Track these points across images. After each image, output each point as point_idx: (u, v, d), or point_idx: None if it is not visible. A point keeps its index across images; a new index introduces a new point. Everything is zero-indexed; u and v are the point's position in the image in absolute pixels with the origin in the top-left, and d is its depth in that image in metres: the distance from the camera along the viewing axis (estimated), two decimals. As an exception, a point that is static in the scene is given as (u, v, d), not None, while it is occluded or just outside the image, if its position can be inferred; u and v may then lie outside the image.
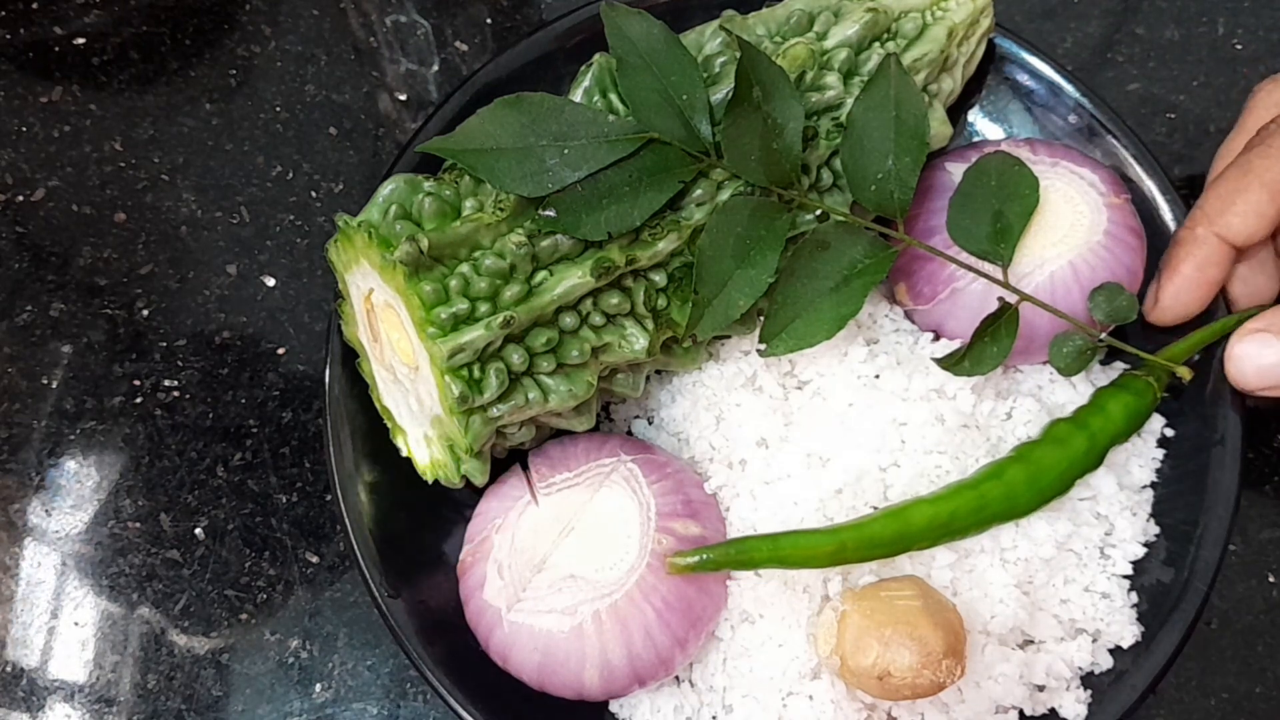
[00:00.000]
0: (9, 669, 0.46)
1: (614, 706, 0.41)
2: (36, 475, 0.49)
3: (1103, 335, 0.41)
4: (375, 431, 0.42)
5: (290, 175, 0.54)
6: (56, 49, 0.56)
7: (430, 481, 0.40)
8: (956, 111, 0.47)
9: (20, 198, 0.53)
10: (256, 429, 0.49)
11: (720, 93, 0.39)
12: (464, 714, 0.38)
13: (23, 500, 0.48)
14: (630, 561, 0.38)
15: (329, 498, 0.48)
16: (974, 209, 0.41)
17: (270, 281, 0.52)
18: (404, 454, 0.41)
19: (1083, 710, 0.39)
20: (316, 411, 0.49)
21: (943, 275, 0.42)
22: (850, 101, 0.41)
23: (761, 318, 0.41)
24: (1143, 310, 0.41)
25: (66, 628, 0.46)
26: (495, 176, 0.37)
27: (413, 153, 0.42)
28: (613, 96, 0.40)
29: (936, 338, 0.43)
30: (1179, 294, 0.39)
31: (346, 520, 0.40)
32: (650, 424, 0.45)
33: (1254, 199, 0.37)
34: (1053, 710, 0.40)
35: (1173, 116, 0.54)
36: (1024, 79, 0.47)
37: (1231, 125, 0.48)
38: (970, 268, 0.41)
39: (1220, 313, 0.42)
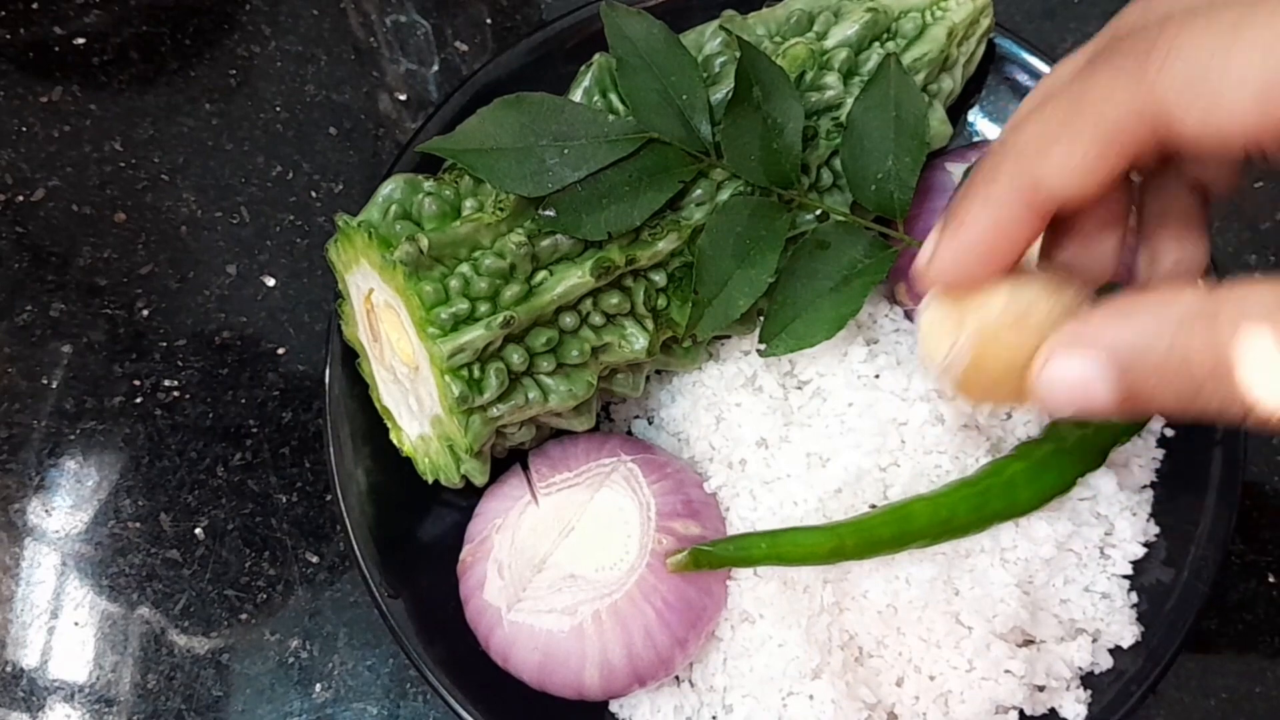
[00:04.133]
0: (9, 669, 0.46)
1: (614, 706, 0.41)
2: (36, 475, 0.49)
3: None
4: (375, 431, 0.42)
5: (290, 175, 0.54)
6: (56, 49, 0.56)
7: (430, 481, 0.40)
8: (956, 111, 0.47)
9: (20, 198, 0.53)
10: (256, 429, 0.49)
11: (720, 93, 0.39)
12: (464, 714, 0.38)
13: (23, 500, 0.48)
14: (630, 561, 0.38)
15: (329, 498, 0.48)
16: (974, 209, 0.41)
17: (270, 281, 0.52)
18: (404, 454, 0.41)
19: (1083, 710, 0.39)
20: (316, 411, 0.49)
21: (943, 275, 0.42)
22: (850, 101, 0.41)
23: (761, 318, 0.41)
24: (916, 272, 0.30)
25: (66, 628, 0.46)
26: (495, 176, 0.37)
27: (413, 153, 0.42)
28: (613, 96, 0.40)
29: (936, 338, 0.43)
30: (962, 251, 0.27)
31: (346, 520, 0.40)
32: (650, 424, 0.45)
33: (1085, 143, 0.25)
34: (1053, 710, 0.40)
35: (1173, 116, 0.54)
36: (1024, 79, 0.47)
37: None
38: (970, 268, 0.41)
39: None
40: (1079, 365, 0.25)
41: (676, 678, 0.41)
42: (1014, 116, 0.29)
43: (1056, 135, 0.25)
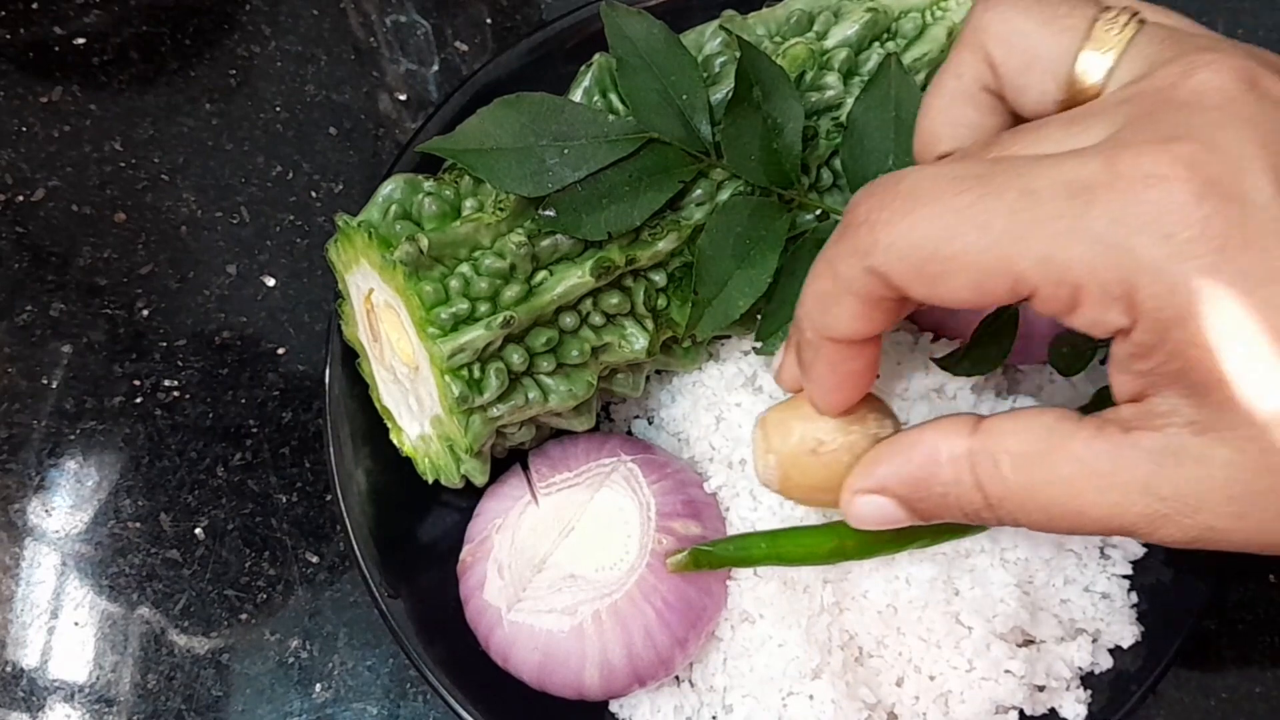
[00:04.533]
0: (9, 669, 0.46)
1: (614, 706, 0.41)
2: (36, 475, 0.49)
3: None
4: (375, 431, 0.42)
5: (290, 175, 0.54)
6: (56, 49, 0.56)
7: (430, 481, 0.40)
8: (956, 111, 0.47)
9: (20, 198, 0.53)
10: (256, 429, 0.49)
11: (720, 93, 0.39)
12: (464, 714, 0.38)
13: (23, 500, 0.48)
14: (630, 561, 0.38)
15: (329, 498, 0.48)
16: (974, 209, 0.41)
17: (270, 281, 0.52)
18: (404, 454, 0.41)
19: (1083, 710, 0.39)
20: (316, 411, 0.49)
21: (943, 275, 0.42)
22: (850, 101, 0.41)
23: (761, 317, 0.41)
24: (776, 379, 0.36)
25: (66, 628, 0.46)
26: (495, 176, 0.37)
27: (413, 153, 0.42)
28: (613, 96, 0.40)
29: (936, 338, 0.43)
30: (829, 395, 0.32)
31: (346, 520, 0.40)
32: (650, 424, 0.45)
33: (853, 306, 0.29)
34: (1053, 710, 0.40)
35: (1173, 116, 0.54)
36: (1024, 79, 0.47)
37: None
38: (970, 268, 0.41)
39: None
40: (874, 503, 0.31)
41: (676, 678, 0.41)
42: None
43: (829, 303, 0.29)
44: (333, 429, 0.41)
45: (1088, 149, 0.25)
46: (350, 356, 0.42)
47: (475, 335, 0.35)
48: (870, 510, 0.31)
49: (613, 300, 0.38)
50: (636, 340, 0.39)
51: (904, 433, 0.31)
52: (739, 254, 0.39)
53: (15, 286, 0.52)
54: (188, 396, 0.50)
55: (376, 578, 0.40)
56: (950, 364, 0.40)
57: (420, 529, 0.42)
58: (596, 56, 0.40)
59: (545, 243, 0.37)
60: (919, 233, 0.26)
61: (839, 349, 0.30)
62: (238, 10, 0.57)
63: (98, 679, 0.46)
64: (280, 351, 0.51)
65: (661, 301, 0.40)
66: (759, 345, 0.40)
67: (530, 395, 0.38)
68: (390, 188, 0.38)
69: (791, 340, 0.33)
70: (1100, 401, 0.41)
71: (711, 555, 0.38)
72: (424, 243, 0.36)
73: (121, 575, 0.47)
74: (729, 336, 0.43)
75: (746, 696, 0.39)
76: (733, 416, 0.42)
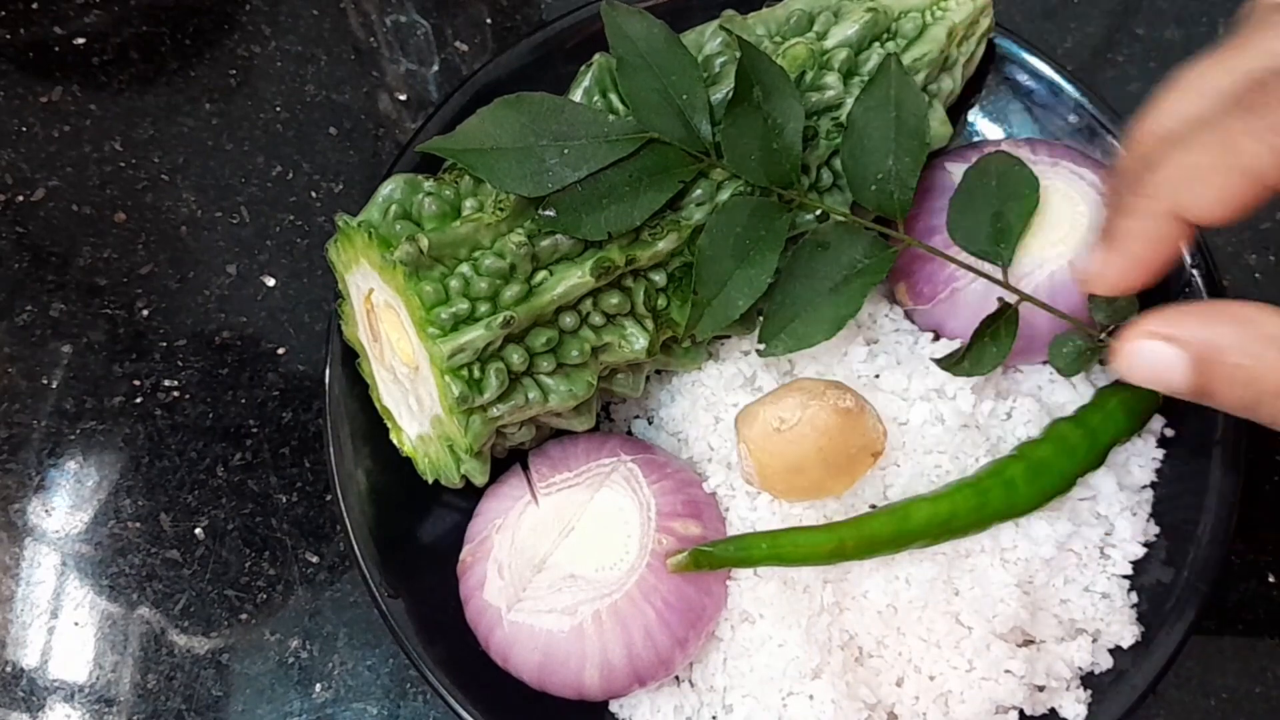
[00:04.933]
0: (9, 669, 0.46)
1: (614, 706, 0.41)
2: (36, 475, 0.49)
3: (1103, 335, 0.41)
4: (375, 431, 0.42)
5: (290, 175, 0.54)
6: (56, 49, 0.56)
7: (430, 481, 0.40)
8: (956, 111, 0.47)
9: (20, 198, 0.53)
10: (256, 429, 0.49)
11: (720, 93, 0.39)
12: (464, 714, 0.38)
13: (23, 500, 0.48)
14: (630, 561, 0.38)
15: (329, 498, 0.48)
16: (974, 209, 0.41)
17: (270, 281, 0.52)
18: (404, 454, 0.41)
19: (1083, 710, 0.39)
20: (316, 411, 0.49)
21: (943, 275, 0.42)
22: (850, 101, 0.41)
23: (761, 318, 0.41)
24: (1081, 279, 0.36)
25: (66, 628, 0.46)
26: (495, 176, 0.37)
27: (413, 153, 0.42)
28: (613, 96, 0.40)
29: (936, 338, 0.43)
30: (1120, 266, 0.32)
31: (346, 520, 0.40)
32: (650, 424, 0.45)
33: (1233, 185, 0.28)
34: (1053, 710, 0.40)
35: (1173, 116, 0.54)
36: (1024, 79, 0.47)
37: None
38: (970, 268, 0.41)
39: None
40: (1164, 351, 0.29)
41: (676, 678, 0.41)
42: (1148, 123, 0.32)
43: (1208, 177, 0.29)
44: (333, 429, 0.41)
45: None
46: (350, 356, 0.42)
47: (475, 335, 0.35)
48: (1150, 357, 0.30)
49: (613, 300, 0.38)
50: (636, 340, 0.39)
51: (1214, 301, 0.30)
52: (739, 254, 0.39)
53: (15, 286, 0.52)
54: (188, 396, 0.50)
55: (376, 578, 0.40)
56: (950, 364, 0.40)
57: (420, 529, 0.42)
58: (596, 56, 0.40)
59: (545, 243, 0.37)
60: None
61: (1177, 228, 0.30)
62: (238, 10, 0.57)
63: (98, 679, 0.46)
64: (280, 351, 0.51)
65: (661, 301, 0.40)
66: (761, 346, 0.40)
67: (530, 395, 0.38)
68: (390, 188, 0.38)
69: (1108, 234, 0.32)
70: (1100, 401, 0.41)
71: (711, 555, 0.38)
72: (424, 243, 0.36)
73: (121, 575, 0.47)
74: (729, 336, 0.43)
75: (746, 696, 0.39)
76: (732, 417, 0.42)
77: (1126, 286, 0.33)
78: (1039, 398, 0.43)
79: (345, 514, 0.40)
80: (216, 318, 0.51)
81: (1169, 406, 0.42)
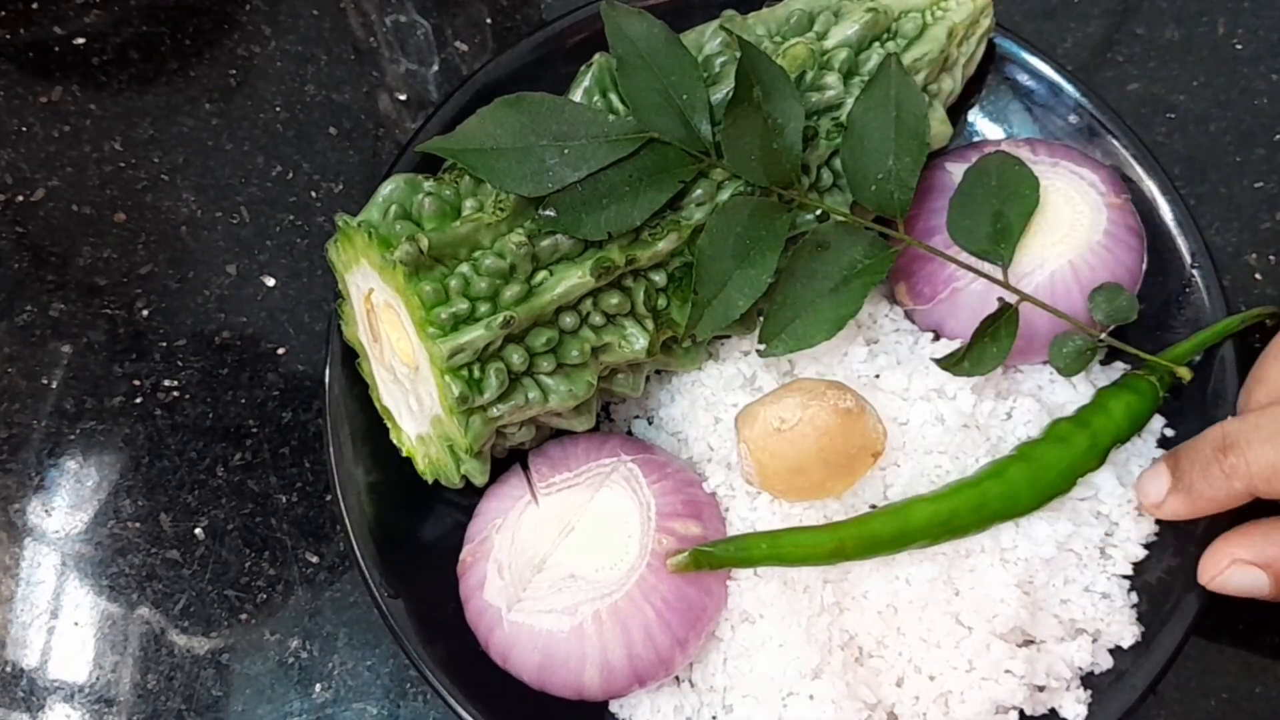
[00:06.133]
0: (9, 669, 0.46)
1: (614, 706, 0.41)
2: (36, 475, 0.49)
3: (1103, 335, 0.41)
4: (375, 431, 0.42)
5: (290, 175, 0.54)
6: (56, 49, 0.56)
7: (430, 481, 0.40)
8: (956, 111, 0.47)
9: (20, 198, 0.53)
10: (256, 429, 0.49)
11: (720, 93, 0.39)
12: (464, 714, 0.38)
13: (23, 500, 0.48)
14: (630, 561, 0.38)
15: (329, 498, 0.48)
16: (974, 209, 0.41)
17: (270, 281, 0.52)
18: (404, 454, 0.41)
19: (1083, 710, 0.39)
20: (316, 411, 0.49)
21: (943, 275, 0.42)
22: (850, 101, 0.41)
23: (761, 318, 0.41)
24: (1145, 502, 0.41)
25: (66, 628, 0.46)
26: (495, 176, 0.37)
27: (413, 153, 0.42)
28: (613, 96, 0.40)
29: (936, 338, 0.43)
30: (1188, 513, 0.39)
31: (346, 520, 0.40)
32: (650, 424, 0.45)
33: None
34: (1053, 710, 0.40)
35: (1173, 116, 0.54)
36: (1024, 79, 0.47)
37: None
38: (970, 268, 0.41)
39: (1219, 316, 0.42)
40: (1253, 573, 0.37)
41: (676, 678, 0.41)
42: (1253, 394, 0.40)
43: None
44: (333, 429, 0.41)
45: None
46: (350, 356, 0.42)
47: (475, 335, 0.35)
48: (1244, 580, 0.37)
49: (613, 300, 0.38)
50: (636, 340, 0.39)
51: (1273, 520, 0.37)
52: (739, 254, 0.39)
53: (15, 286, 0.52)
54: (188, 396, 0.50)
55: (376, 578, 0.40)
56: (950, 364, 0.40)
57: (420, 529, 0.42)
58: (596, 56, 0.40)
59: (545, 243, 0.37)
60: None
61: (1242, 499, 0.37)
62: (238, 10, 0.57)
63: (98, 679, 0.46)
64: (280, 351, 0.51)
65: (661, 301, 0.40)
66: (761, 347, 0.40)
67: (530, 395, 0.38)
68: (390, 188, 0.38)
69: (1186, 483, 0.38)
70: (1100, 401, 0.41)
71: (711, 555, 0.38)
72: (424, 243, 0.36)
73: (121, 575, 0.47)
74: (729, 336, 0.43)
75: (746, 696, 0.39)
76: (732, 417, 0.42)
77: (1187, 519, 0.39)
78: (1039, 398, 0.43)
79: (345, 514, 0.40)
80: (216, 318, 0.51)
81: (1169, 407, 0.42)
